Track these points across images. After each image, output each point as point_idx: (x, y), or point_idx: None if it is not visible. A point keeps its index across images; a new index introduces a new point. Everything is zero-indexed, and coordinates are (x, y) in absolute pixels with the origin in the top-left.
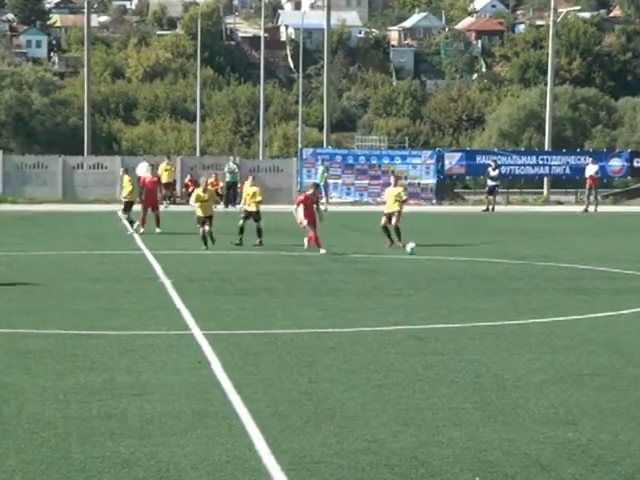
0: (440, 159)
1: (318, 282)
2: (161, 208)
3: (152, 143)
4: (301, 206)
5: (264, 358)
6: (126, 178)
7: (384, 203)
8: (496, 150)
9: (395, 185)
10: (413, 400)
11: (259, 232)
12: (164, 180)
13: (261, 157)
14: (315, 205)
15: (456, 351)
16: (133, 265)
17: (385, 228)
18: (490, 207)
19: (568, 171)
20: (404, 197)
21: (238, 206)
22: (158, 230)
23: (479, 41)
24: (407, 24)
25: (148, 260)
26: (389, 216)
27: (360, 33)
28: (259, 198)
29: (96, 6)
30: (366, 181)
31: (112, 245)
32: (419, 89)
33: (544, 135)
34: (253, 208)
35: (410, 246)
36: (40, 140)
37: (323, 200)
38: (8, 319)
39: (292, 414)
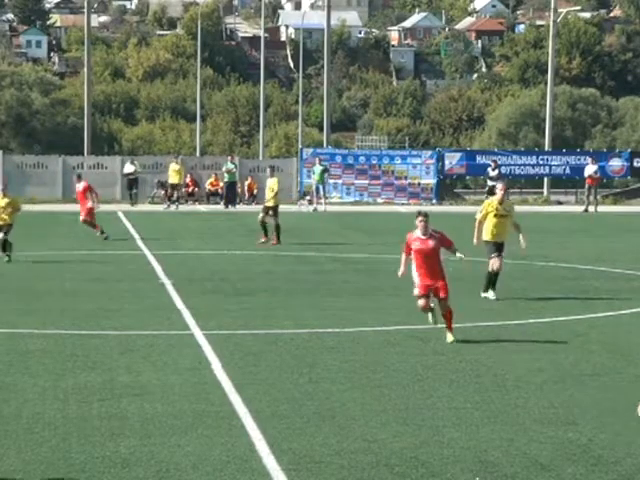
0: (440, 159)
1: (318, 282)
2: (171, 208)
3: (152, 143)
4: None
5: (264, 358)
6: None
7: (386, 203)
8: (496, 150)
9: (271, 175)
10: (413, 400)
11: (3, 246)
12: (172, 181)
13: (261, 157)
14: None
15: (456, 351)
16: (133, 265)
17: (263, 223)
18: None
19: (568, 171)
20: (275, 190)
21: (238, 206)
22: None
23: (479, 41)
24: (407, 24)
25: (148, 260)
26: (267, 210)
27: (360, 33)
28: (9, 210)
29: (96, 6)
30: (366, 181)
31: (112, 245)
32: (419, 89)
33: (541, 135)
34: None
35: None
36: (40, 140)
37: (322, 200)
38: (8, 319)
39: (292, 414)
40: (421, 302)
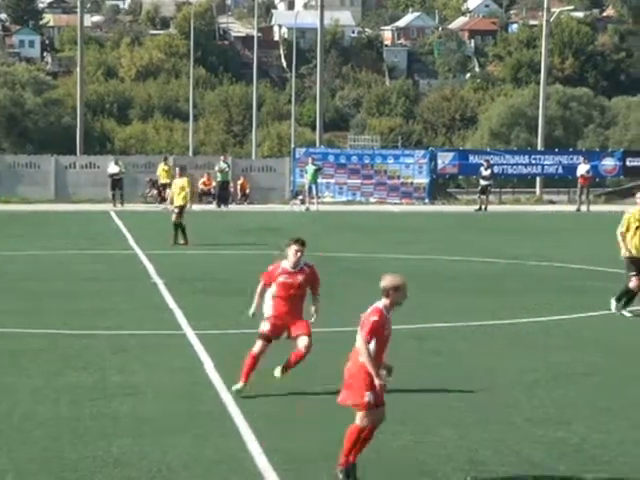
0: (433, 158)
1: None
2: (160, 207)
3: (145, 142)
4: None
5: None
6: None
7: (379, 202)
8: (489, 150)
9: (180, 176)
10: (407, 399)
11: None
12: (162, 181)
13: (254, 157)
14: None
15: (449, 350)
16: (126, 265)
17: (176, 225)
18: (483, 206)
19: (561, 170)
20: (187, 190)
21: (230, 206)
22: None
23: (472, 41)
24: (400, 24)
25: (141, 260)
26: (180, 210)
27: (353, 33)
28: None
29: (89, 6)
30: (359, 180)
31: (105, 245)
32: (412, 89)
33: (534, 134)
34: None
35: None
36: (33, 140)
37: (314, 200)
38: (1, 319)
39: (285, 414)
40: (259, 345)
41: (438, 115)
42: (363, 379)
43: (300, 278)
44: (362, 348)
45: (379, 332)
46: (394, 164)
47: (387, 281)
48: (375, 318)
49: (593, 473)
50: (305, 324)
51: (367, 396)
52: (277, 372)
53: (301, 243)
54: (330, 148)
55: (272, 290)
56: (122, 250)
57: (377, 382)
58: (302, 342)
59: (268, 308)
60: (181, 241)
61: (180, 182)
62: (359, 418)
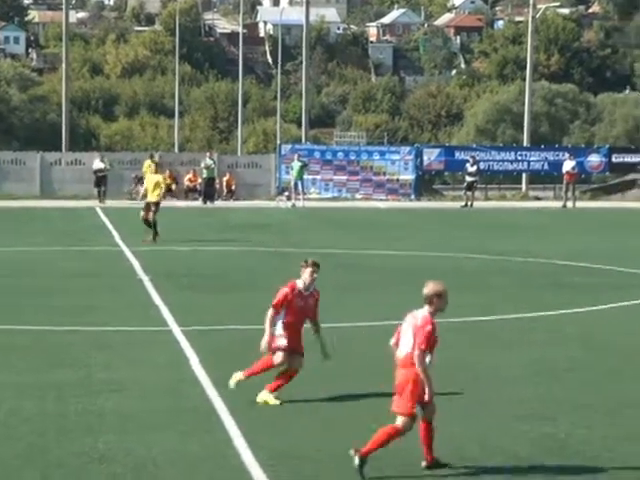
0: (419, 155)
1: (296, 277)
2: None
3: (130, 139)
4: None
5: (243, 354)
6: None
7: (365, 199)
8: (475, 146)
9: (156, 172)
10: (389, 395)
11: None
12: None
13: (239, 153)
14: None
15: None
16: (112, 262)
17: (146, 221)
18: (469, 203)
19: (547, 167)
20: (162, 186)
21: (216, 202)
22: None
23: (458, 37)
24: (386, 20)
25: (126, 257)
26: (148, 207)
27: (339, 29)
28: None
29: (74, 2)
30: (345, 177)
31: (90, 241)
32: (398, 85)
33: (519, 131)
34: None
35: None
36: (19, 136)
37: (300, 196)
38: None
39: (271, 411)
40: (281, 356)
41: (424, 112)
42: (413, 388)
43: (312, 302)
44: (419, 359)
45: (432, 340)
46: (380, 160)
47: (430, 288)
48: (429, 328)
49: (579, 469)
50: (301, 346)
51: (414, 408)
52: (260, 397)
53: (317, 265)
54: (316, 144)
55: (281, 316)
56: (108, 247)
57: (428, 393)
58: (294, 362)
59: (279, 328)
60: (148, 237)
61: (155, 178)
62: (402, 421)
